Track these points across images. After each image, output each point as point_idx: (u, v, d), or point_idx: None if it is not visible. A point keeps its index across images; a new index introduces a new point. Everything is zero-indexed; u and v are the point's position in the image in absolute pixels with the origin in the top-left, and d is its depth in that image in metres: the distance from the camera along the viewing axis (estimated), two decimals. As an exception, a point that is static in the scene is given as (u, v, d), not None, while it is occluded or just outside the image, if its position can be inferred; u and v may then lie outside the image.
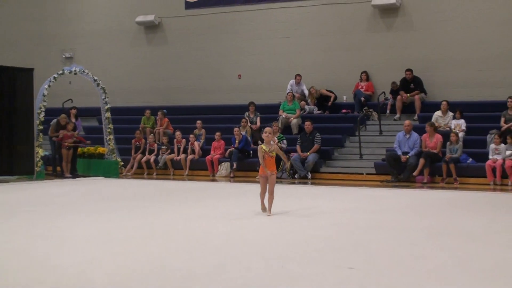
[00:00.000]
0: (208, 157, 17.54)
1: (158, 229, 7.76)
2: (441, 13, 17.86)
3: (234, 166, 16.89)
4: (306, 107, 18.60)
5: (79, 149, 17.35)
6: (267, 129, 8.80)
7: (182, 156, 17.93)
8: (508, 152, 14.41)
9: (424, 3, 18.11)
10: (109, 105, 17.79)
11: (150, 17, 21.43)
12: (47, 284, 4.91)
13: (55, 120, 17.24)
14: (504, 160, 14.30)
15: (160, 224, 8.18)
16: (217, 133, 17.80)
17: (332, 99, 18.56)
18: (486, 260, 5.92)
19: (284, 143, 16.68)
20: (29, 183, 14.97)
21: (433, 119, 16.17)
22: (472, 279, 5.10)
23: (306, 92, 18.84)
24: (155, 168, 18.13)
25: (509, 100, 15.48)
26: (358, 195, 12.32)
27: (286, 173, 16.10)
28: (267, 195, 8.66)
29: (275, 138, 16.20)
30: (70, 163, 16.74)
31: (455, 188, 13.86)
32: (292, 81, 18.99)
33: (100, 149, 17.64)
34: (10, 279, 5.12)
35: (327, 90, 18.68)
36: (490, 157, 14.55)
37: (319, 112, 18.52)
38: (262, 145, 8.63)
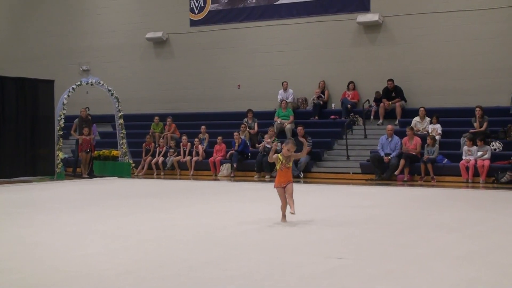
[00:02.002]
0: (211, 158, 17.51)
1: (166, 223, 7.75)
2: (419, 29, 17.88)
3: (234, 166, 16.88)
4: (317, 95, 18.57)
5: (95, 152, 17.35)
6: (290, 146, 7.63)
7: (187, 158, 17.90)
8: (479, 153, 14.43)
9: (404, 20, 18.12)
10: (122, 113, 17.74)
11: (159, 34, 21.40)
12: (68, 274, 4.90)
13: (77, 119, 17.27)
14: (476, 160, 14.32)
15: (168, 219, 8.16)
16: (219, 137, 17.77)
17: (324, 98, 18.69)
18: (461, 249, 5.93)
19: (278, 146, 16.62)
20: (50, 183, 14.92)
21: (412, 124, 16.18)
22: (449, 266, 5.11)
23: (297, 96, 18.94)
24: (163, 169, 18.10)
25: (477, 109, 15.52)
26: (346, 192, 12.33)
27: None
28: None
29: (269, 140, 16.22)
30: (87, 164, 16.75)
31: (432, 186, 13.86)
32: (281, 91, 18.99)
33: (114, 152, 17.62)
34: (34, 268, 5.12)
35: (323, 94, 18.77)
36: (464, 157, 14.57)
37: (320, 101, 18.48)
38: (280, 156, 7.71)
